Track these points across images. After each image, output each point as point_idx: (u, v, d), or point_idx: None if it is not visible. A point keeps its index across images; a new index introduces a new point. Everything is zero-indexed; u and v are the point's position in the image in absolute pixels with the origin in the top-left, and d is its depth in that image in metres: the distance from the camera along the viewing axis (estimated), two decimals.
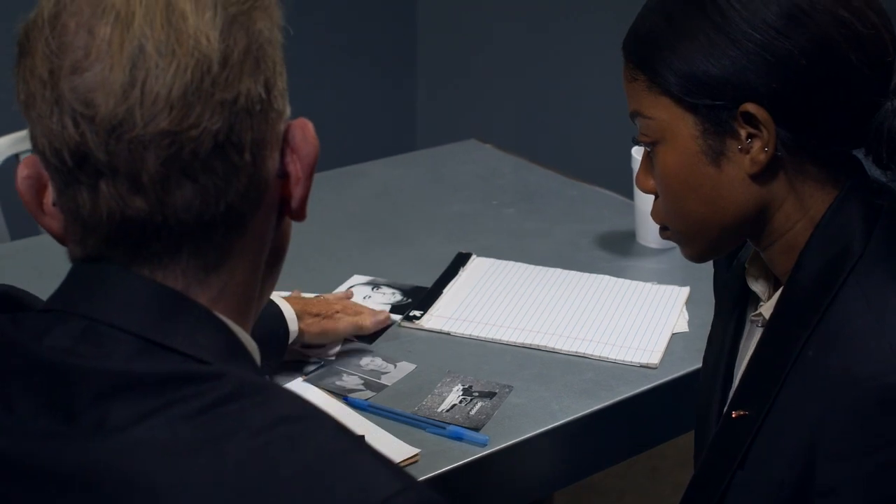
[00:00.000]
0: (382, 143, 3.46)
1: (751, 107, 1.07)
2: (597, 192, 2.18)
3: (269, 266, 0.87)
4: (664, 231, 1.21)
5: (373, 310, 1.63)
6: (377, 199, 2.16)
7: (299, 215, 0.85)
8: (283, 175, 0.83)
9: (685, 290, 1.78)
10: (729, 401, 1.20)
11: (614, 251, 1.93)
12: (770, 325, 1.15)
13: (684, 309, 1.74)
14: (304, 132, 0.83)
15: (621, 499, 2.87)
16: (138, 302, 0.79)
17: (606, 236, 1.99)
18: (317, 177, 2.35)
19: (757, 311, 1.21)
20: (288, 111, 0.83)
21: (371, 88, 3.96)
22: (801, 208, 1.13)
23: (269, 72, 0.79)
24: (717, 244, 1.19)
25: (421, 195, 2.18)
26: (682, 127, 1.11)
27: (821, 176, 1.12)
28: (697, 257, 1.20)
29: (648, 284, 1.80)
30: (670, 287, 1.79)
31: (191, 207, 0.77)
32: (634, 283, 1.81)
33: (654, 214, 1.20)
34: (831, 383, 1.06)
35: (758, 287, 1.22)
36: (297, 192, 0.84)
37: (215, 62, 0.75)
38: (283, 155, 0.82)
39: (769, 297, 1.20)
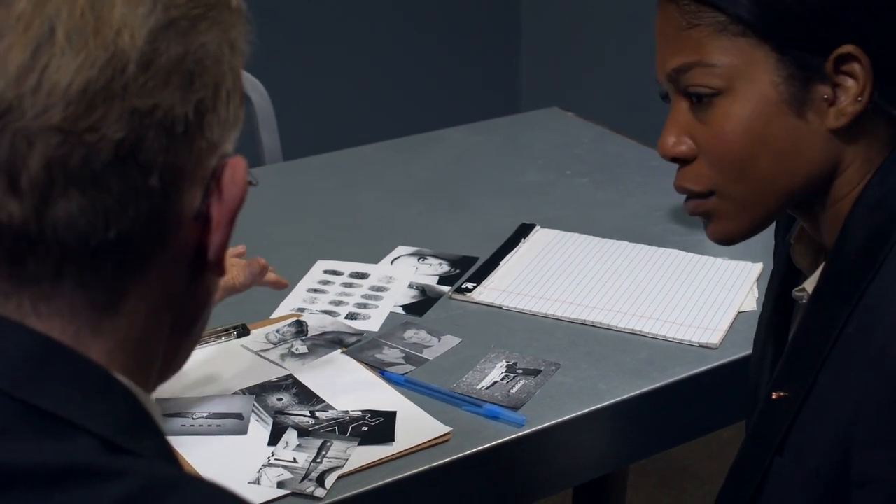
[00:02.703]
0: (485, 108, 3.39)
1: (852, 49, 0.96)
2: None
3: (178, 330, 0.73)
4: (704, 201, 1.06)
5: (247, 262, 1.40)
6: (448, 166, 2.10)
7: (217, 269, 0.72)
8: (202, 218, 0.70)
9: (757, 267, 1.68)
10: (771, 381, 1.11)
11: (688, 224, 1.84)
12: (812, 301, 1.06)
13: (755, 286, 1.64)
14: (234, 172, 0.71)
15: (711, 480, 2.77)
16: (20, 358, 0.66)
17: (682, 209, 1.88)
18: (390, 143, 2.32)
19: (801, 287, 1.11)
20: (229, 147, 0.71)
21: (474, 53, 3.90)
22: (862, 172, 1.02)
23: (206, 92, 0.67)
24: (773, 214, 1.06)
25: (493, 163, 2.11)
26: (759, 72, 0.99)
27: (890, 136, 1.02)
28: (736, 234, 1.07)
29: (719, 260, 1.71)
30: (742, 263, 1.69)
31: (74, 226, 0.64)
32: (704, 258, 1.72)
33: (692, 180, 1.05)
34: (869, 364, 0.97)
35: (804, 266, 1.13)
36: (214, 240, 0.71)
37: (133, 62, 0.64)
38: (207, 195, 0.70)
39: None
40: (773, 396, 1.06)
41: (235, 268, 1.37)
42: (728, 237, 1.08)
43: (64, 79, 0.63)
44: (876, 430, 0.95)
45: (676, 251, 1.74)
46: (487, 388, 1.39)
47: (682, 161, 1.06)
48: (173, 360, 0.76)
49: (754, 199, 1.04)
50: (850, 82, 0.98)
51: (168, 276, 0.70)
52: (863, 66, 0.97)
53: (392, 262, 1.72)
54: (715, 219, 1.07)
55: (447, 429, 1.31)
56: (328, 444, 1.28)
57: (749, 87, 0.99)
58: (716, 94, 1.01)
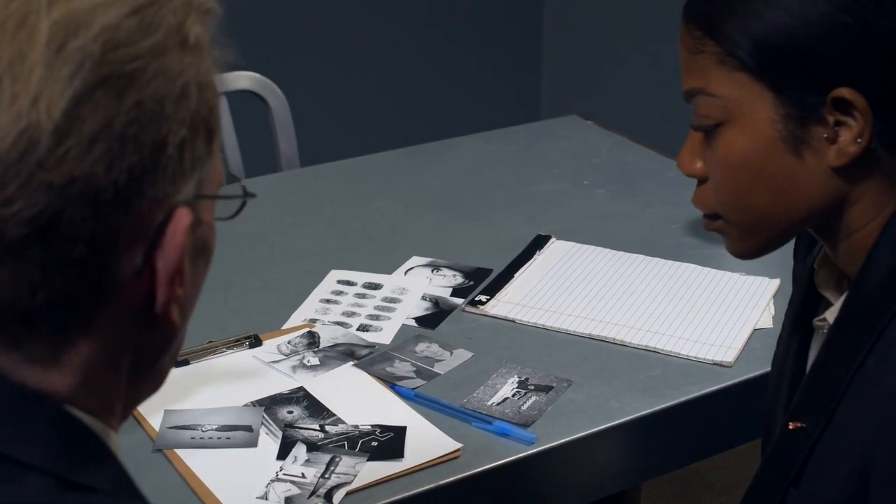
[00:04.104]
0: (505, 116, 3.38)
1: (846, 92, 0.94)
2: None
3: (139, 368, 0.71)
4: (712, 221, 1.07)
5: None
6: (464, 175, 2.09)
7: (166, 319, 0.68)
8: (149, 270, 0.66)
9: (774, 283, 1.67)
10: (788, 411, 1.10)
11: (705, 238, 1.82)
12: (833, 332, 1.04)
13: (771, 303, 1.62)
14: (175, 229, 0.66)
15: (728, 491, 2.76)
16: None
17: (699, 222, 1.87)
18: (406, 150, 2.31)
19: (822, 316, 1.10)
20: (182, 195, 0.66)
21: (494, 61, 3.89)
22: (878, 204, 1.01)
23: (142, 154, 0.62)
24: (777, 240, 1.06)
25: (509, 172, 2.10)
26: (757, 108, 0.97)
27: None
28: (747, 254, 1.07)
29: (735, 275, 1.69)
30: (759, 278, 1.68)
31: None
32: (720, 272, 1.70)
33: (701, 202, 1.07)
34: (888, 400, 0.96)
35: (828, 292, 1.11)
36: (159, 295, 0.67)
37: (47, 135, 0.60)
38: (154, 248, 0.65)
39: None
40: (790, 426, 1.05)
41: None
42: (739, 255, 1.08)
43: None
44: (892, 467, 0.94)
45: (692, 265, 1.73)
46: (498, 404, 1.38)
47: (699, 179, 1.06)
48: (136, 396, 0.73)
49: (752, 227, 1.04)
50: (850, 122, 0.96)
51: (120, 324, 0.67)
52: (859, 109, 0.94)
53: (406, 273, 1.71)
54: (725, 238, 1.08)
55: (457, 445, 1.30)
56: (337, 459, 1.28)
57: (747, 122, 0.98)
58: (718, 125, 1.00)
